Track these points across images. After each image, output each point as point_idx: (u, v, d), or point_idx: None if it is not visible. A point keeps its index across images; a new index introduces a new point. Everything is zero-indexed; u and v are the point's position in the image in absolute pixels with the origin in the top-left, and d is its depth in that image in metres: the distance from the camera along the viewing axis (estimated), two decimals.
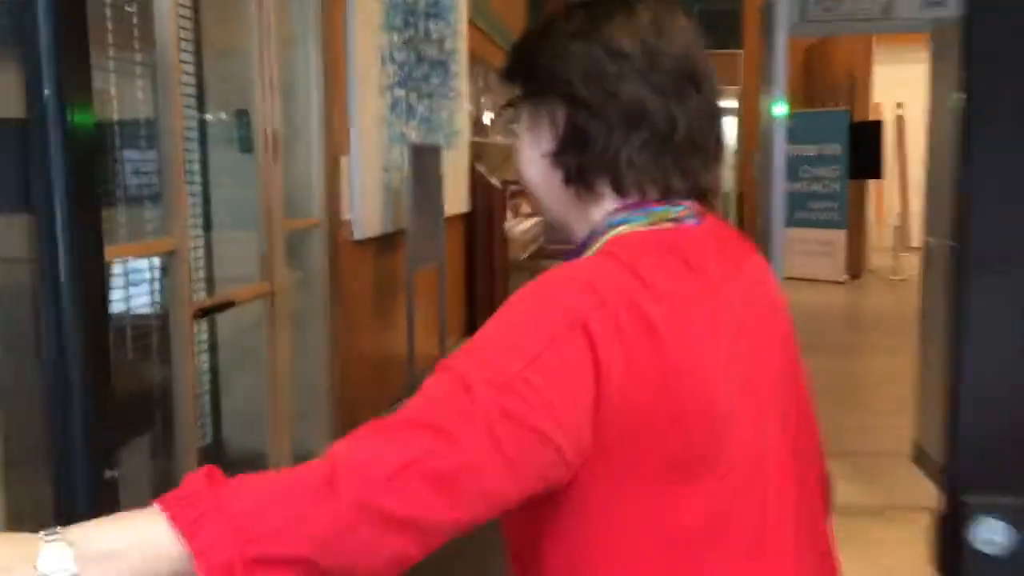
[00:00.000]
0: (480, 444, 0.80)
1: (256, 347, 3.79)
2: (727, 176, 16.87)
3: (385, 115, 5.00)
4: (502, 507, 0.83)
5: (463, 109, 7.45)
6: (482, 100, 9.65)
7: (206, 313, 3.04)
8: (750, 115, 14.71)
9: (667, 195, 1.00)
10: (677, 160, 0.98)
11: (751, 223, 14.79)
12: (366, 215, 4.66)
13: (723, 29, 14.88)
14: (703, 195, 1.02)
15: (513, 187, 11.71)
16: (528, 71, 1.03)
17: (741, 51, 14.73)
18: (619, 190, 1.00)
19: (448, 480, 0.79)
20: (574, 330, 0.86)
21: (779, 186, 3.82)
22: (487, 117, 9.78)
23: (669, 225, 0.99)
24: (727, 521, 0.92)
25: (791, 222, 11.47)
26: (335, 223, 4.32)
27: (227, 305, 3.21)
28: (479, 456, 0.80)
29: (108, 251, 1.72)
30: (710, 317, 0.93)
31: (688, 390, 0.88)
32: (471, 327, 7.59)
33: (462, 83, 7.39)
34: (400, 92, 5.30)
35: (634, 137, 0.96)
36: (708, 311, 0.93)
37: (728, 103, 16.37)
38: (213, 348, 4.36)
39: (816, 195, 11.10)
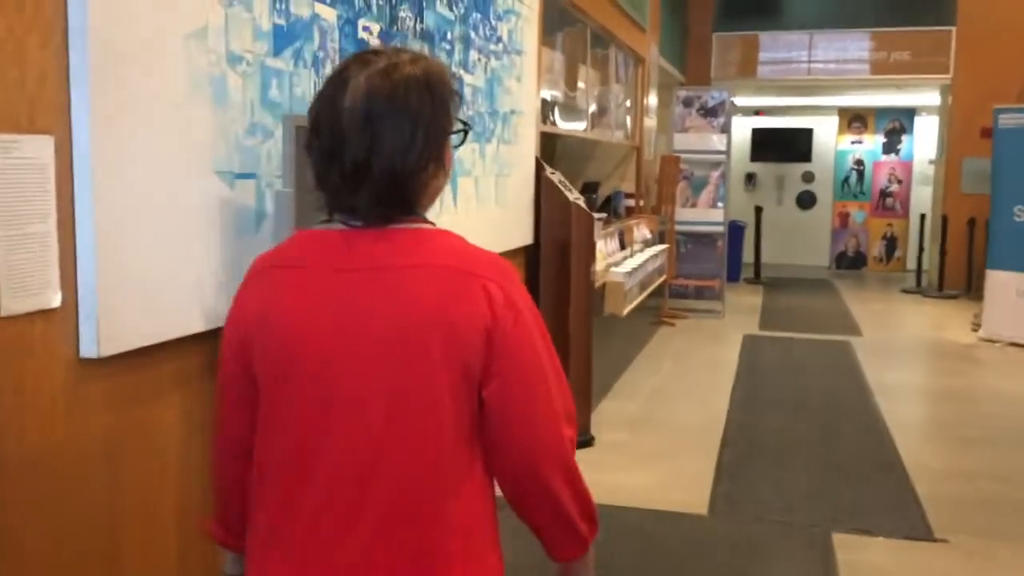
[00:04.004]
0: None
1: None
2: (923, 194, 13.22)
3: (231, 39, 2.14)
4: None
5: (527, 75, 4.50)
6: (582, 80, 6.65)
7: None
8: (964, 108, 11.12)
9: (329, 211, 1.34)
10: (323, 193, 1.32)
11: (959, 258, 11.16)
12: (139, 289, 1.82)
13: (926, 3, 11.33)
14: (350, 211, 1.30)
15: (628, 200, 8.64)
16: None
17: (952, 28, 11.15)
18: None
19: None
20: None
21: None
22: (585, 103, 6.74)
23: (320, 228, 1.34)
24: (276, 429, 1.32)
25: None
26: None
27: None
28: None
29: None
30: (286, 284, 1.31)
31: (264, 328, 1.31)
32: None
33: (523, 34, 4.44)
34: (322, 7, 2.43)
35: None
36: (286, 281, 1.31)
37: (926, 98, 12.71)
38: None
39: None
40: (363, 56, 1.31)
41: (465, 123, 1.38)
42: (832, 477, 4.52)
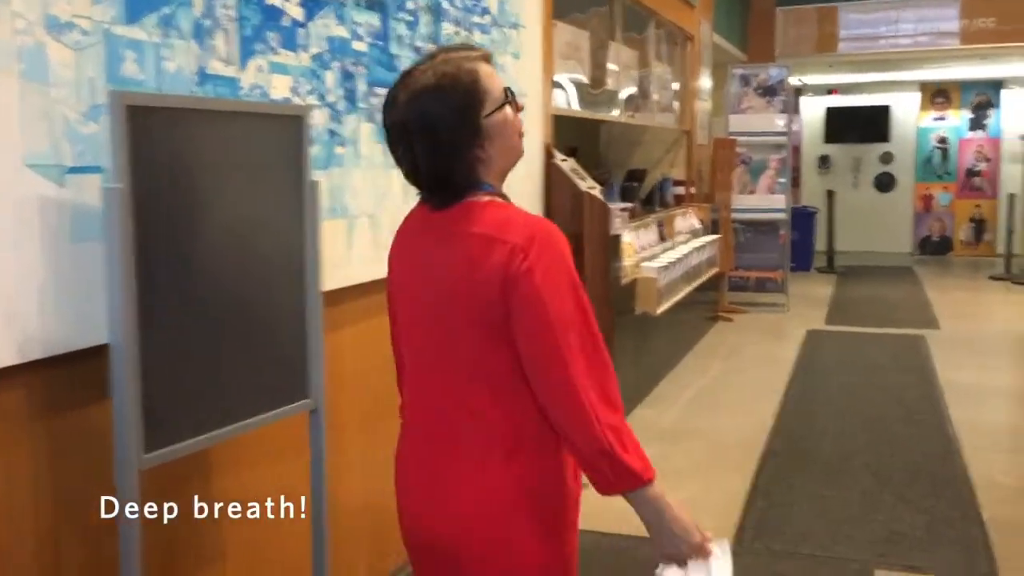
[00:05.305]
0: None
1: None
2: (1013, 173, 12.27)
3: None
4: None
5: (528, 53, 4.03)
6: (613, 60, 6.14)
7: None
8: None
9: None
10: None
11: None
12: None
13: None
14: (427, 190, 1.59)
15: (677, 188, 8.03)
16: None
17: None
18: None
19: None
20: None
21: None
22: (618, 86, 6.21)
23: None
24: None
25: None
26: None
27: None
28: None
29: None
30: (400, 245, 1.67)
31: (391, 276, 1.69)
32: None
33: (522, 6, 3.98)
34: None
35: None
36: (399, 244, 1.67)
37: (1014, 69, 11.72)
38: None
39: None
40: (403, 72, 1.57)
41: (509, 90, 1.56)
42: (884, 496, 3.94)
